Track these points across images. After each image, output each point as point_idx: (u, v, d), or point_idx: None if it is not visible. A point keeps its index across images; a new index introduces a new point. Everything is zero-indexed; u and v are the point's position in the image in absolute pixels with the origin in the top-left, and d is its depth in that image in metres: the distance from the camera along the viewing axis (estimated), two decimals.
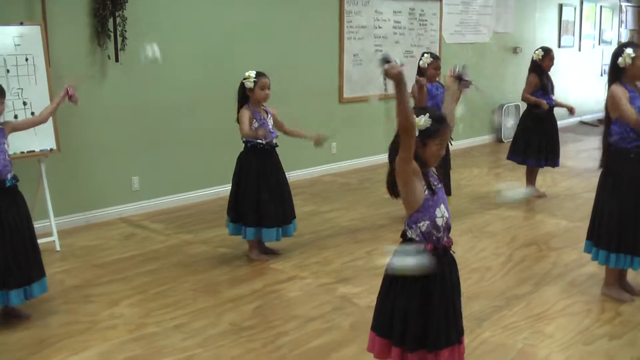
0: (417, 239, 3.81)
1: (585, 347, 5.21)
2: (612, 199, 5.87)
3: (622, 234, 5.85)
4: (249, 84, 6.60)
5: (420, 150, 3.74)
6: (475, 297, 6.04)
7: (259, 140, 6.67)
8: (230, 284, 6.30)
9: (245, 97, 6.66)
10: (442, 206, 3.83)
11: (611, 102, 5.78)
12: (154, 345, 5.11)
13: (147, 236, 7.65)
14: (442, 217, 3.81)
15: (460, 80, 4.24)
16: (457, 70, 4.38)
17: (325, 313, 5.69)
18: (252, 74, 6.63)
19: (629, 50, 5.76)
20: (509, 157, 9.69)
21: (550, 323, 5.63)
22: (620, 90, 5.73)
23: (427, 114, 3.73)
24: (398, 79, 3.50)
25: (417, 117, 3.71)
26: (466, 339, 4.96)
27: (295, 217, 7.02)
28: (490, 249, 7.40)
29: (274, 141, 6.77)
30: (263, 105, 6.72)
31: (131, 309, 5.76)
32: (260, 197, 6.70)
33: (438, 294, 3.83)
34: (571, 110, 9.46)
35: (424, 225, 3.79)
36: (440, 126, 3.77)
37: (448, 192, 7.79)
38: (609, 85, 5.87)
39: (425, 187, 3.75)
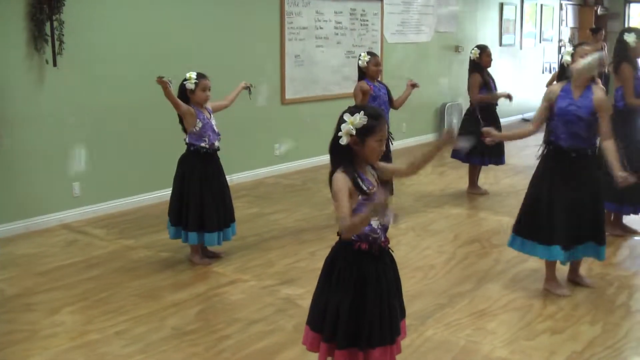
0: (353, 238, 3.81)
1: (528, 342, 5.26)
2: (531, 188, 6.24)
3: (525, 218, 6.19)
4: (190, 86, 6.56)
5: (359, 148, 3.74)
6: (419, 295, 6.06)
7: (202, 144, 6.64)
8: (173, 289, 6.26)
9: (185, 98, 6.63)
10: None
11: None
12: (95, 353, 5.06)
13: (89, 242, 7.57)
14: (378, 220, 3.81)
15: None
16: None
17: (269, 315, 5.68)
18: (193, 75, 6.59)
19: (571, 49, 6.02)
20: (453, 156, 9.74)
21: (493, 319, 5.68)
22: (548, 90, 6.10)
23: (362, 111, 3.73)
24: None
25: (352, 115, 3.71)
26: (409, 337, 5.03)
27: (234, 220, 6.99)
28: (434, 247, 7.44)
29: (217, 144, 6.73)
30: (205, 107, 6.69)
31: (73, 317, 5.70)
32: (204, 201, 6.66)
33: (372, 294, 3.83)
34: (509, 97, 9.56)
35: None
36: (377, 122, 3.76)
37: (390, 192, 7.79)
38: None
39: (359, 195, 3.74)
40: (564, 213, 5.90)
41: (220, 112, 6.93)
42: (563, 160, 5.95)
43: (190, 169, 6.72)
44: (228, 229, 6.88)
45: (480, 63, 9.38)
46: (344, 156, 3.75)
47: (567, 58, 5.96)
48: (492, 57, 9.60)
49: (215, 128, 6.70)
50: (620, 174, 5.70)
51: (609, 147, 5.83)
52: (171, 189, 6.87)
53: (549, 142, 6.06)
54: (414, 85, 8.39)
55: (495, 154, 9.52)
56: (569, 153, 5.91)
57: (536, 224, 6.04)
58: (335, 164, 3.79)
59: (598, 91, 5.89)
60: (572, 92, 5.89)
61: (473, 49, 9.46)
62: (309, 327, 4.04)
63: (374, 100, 7.95)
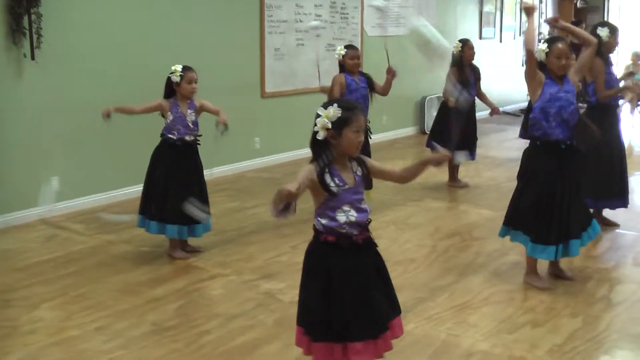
0: (320, 229, 3.86)
1: (509, 336, 5.26)
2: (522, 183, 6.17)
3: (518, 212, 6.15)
4: (176, 78, 6.57)
5: (336, 142, 3.74)
6: (399, 289, 5.97)
7: (171, 136, 6.63)
8: (153, 284, 6.23)
9: (172, 91, 6.63)
10: (347, 206, 3.82)
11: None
12: (75, 349, 5.03)
13: (68, 237, 7.52)
14: (346, 216, 3.81)
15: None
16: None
17: (249, 310, 5.66)
18: (179, 68, 6.59)
19: (544, 46, 5.99)
20: (428, 145, 9.79)
21: (474, 313, 5.68)
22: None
23: (335, 104, 3.74)
24: None
25: (326, 109, 3.71)
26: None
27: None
28: (414, 240, 7.44)
29: (188, 139, 6.69)
30: (190, 100, 6.66)
31: (52, 313, 5.66)
32: (167, 192, 6.63)
33: (340, 285, 3.84)
34: (494, 110, 9.52)
35: (324, 221, 3.84)
36: (352, 113, 3.77)
37: (369, 186, 7.80)
38: None
39: (324, 191, 3.77)
40: (561, 210, 5.91)
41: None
42: (556, 154, 5.94)
43: (159, 158, 6.74)
44: (198, 224, 6.82)
45: (461, 57, 9.38)
46: (323, 151, 3.74)
47: (542, 55, 5.95)
48: (475, 50, 9.59)
49: (189, 123, 6.65)
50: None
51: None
52: None
53: (537, 138, 6.01)
54: (392, 75, 8.33)
55: (467, 148, 9.53)
56: (559, 145, 5.92)
57: (536, 223, 6.01)
58: (314, 158, 3.80)
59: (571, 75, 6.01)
60: (555, 81, 5.92)
61: (455, 43, 9.45)
62: (298, 327, 4.08)
63: (350, 94, 7.89)
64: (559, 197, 5.90)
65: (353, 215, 3.82)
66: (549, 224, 5.91)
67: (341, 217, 3.79)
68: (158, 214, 6.67)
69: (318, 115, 3.74)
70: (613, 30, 7.52)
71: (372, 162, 3.98)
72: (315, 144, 3.80)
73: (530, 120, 6.04)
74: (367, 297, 3.91)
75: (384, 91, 8.29)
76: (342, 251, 3.85)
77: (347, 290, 3.84)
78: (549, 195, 5.91)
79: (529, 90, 6.14)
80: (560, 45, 5.92)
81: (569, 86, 5.92)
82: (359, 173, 3.90)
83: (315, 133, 3.76)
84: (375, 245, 4.05)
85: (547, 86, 5.90)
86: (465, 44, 9.42)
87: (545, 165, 5.93)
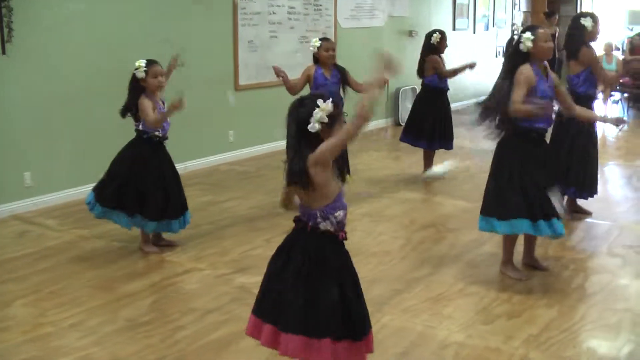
0: (331, 229, 3.80)
1: (485, 327, 5.29)
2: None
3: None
4: (140, 74, 6.46)
5: (327, 135, 3.73)
6: (375, 281, 6.05)
7: (156, 133, 6.58)
8: (127, 279, 6.19)
9: (138, 88, 6.52)
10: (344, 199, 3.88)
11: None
12: (49, 346, 5.00)
13: (41, 233, 7.46)
14: (343, 211, 3.85)
15: None
16: None
17: (224, 304, 5.64)
18: (142, 63, 6.49)
19: (528, 34, 5.93)
20: (402, 139, 9.81)
21: (449, 304, 5.69)
22: (523, 77, 5.89)
23: (330, 98, 3.74)
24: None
25: (324, 102, 3.70)
26: None
27: (181, 214, 6.87)
28: (389, 232, 7.44)
29: (159, 132, 6.65)
30: (159, 95, 6.61)
31: (25, 309, 5.61)
32: (147, 189, 6.59)
33: (353, 282, 3.89)
34: (471, 66, 9.55)
35: (340, 214, 3.81)
36: (340, 110, 3.82)
37: (344, 175, 7.76)
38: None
39: (337, 176, 3.79)
40: (536, 190, 5.91)
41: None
42: (537, 143, 6.00)
43: (142, 156, 6.65)
44: (173, 220, 6.77)
45: (439, 47, 9.40)
46: (314, 143, 3.71)
47: (529, 44, 5.91)
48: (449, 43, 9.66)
49: (169, 119, 6.63)
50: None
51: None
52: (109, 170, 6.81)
53: (524, 129, 5.96)
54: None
55: (443, 138, 9.56)
56: (542, 135, 5.99)
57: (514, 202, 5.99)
58: (305, 151, 3.73)
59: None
60: (541, 73, 5.95)
61: (435, 33, 9.44)
62: (260, 320, 4.03)
63: (316, 89, 7.85)
64: (533, 180, 5.92)
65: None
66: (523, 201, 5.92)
67: (340, 213, 3.81)
68: (139, 209, 6.62)
69: (316, 106, 3.69)
70: (595, 19, 7.56)
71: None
72: (300, 135, 3.74)
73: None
74: (362, 295, 3.98)
75: (358, 90, 8.23)
76: (343, 248, 3.90)
77: (358, 288, 3.92)
78: (528, 180, 5.93)
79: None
80: (541, 30, 5.99)
81: (551, 78, 6.00)
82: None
83: (303, 126, 3.72)
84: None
85: (540, 82, 5.92)
86: (444, 35, 9.44)
87: (527, 154, 5.97)
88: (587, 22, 7.48)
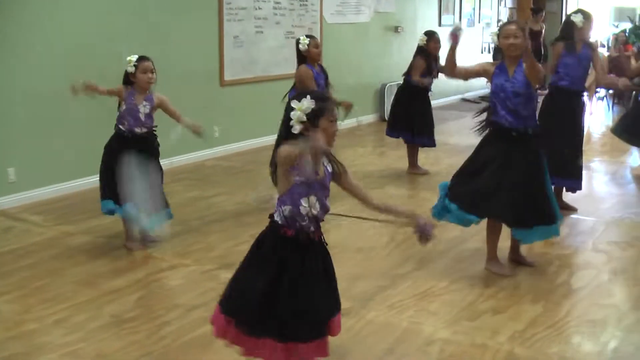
0: (280, 222, 3.80)
1: (470, 323, 5.28)
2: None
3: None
4: (130, 69, 6.49)
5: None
6: (360, 277, 6.04)
7: (120, 126, 6.60)
8: (112, 275, 6.16)
9: (129, 82, 6.56)
10: (313, 198, 3.78)
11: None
12: (33, 343, 4.97)
13: (26, 229, 7.42)
14: (310, 208, 3.78)
15: None
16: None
17: (209, 300, 5.58)
18: (133, 58, 6.51)
19: (495, 30, 6.14)
20: (387, 133, 9.86)
21: (435, 300, 5.69)
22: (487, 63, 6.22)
23: (308, 95, 3.70)
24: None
25: (299, 102, 3.66)
26: (351, 320, 5.04)
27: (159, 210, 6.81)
28: (374, 228, 7.41)
29: (138, 131, 6.59)
30: (149, 92, 6.58)
31: (9, 306, 5.58)
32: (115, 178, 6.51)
33: (290, 281, 3.80)
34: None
35: (286, 209, 3.77)
36: (325, 103, 3.75)
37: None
38: None
39: (295, 174, 3.72)
40: (507, 192, 5.91)
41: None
42: (505, 140, 5.97)
43: (109, 146, 6.69)
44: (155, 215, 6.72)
45: (427, 49, 9.38)
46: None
47: (495, 39, 6.03)
48: (441, 44, 9.52)
49: (140, 115, 6.56)
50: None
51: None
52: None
53: (490, 122, 6.07)
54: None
55: (424, 135, 9.57)
56: (509, 132, 5.95)
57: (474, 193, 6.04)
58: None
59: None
60: (507, 70, 5.98)
61: (421, 35, 9.45)
62: (220, 309, 4.02)
63: (317, 86, 7.86)
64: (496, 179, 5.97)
65: (316, 209, 3.79)
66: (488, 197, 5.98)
67: (304, 208, 3.75)
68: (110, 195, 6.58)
69: (291, 109, 3.69)
70: (587, 16, 7.57)
71: (348, 177, 3.93)
72: (290, 138, 3.72)
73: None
74: (311, 298, 3.85)
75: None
76: (298, 247, 3.82)
77: (295, 288, 3.80)
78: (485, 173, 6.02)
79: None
80: (507, 26, 6.05)
81: (519, 76, 5.96)
82: (329, 168, 3.87)
83: (288, 128, 3.71)
84: (326, 244, 4.01)
85: (496, 76, 6.02)
86: (431, 37, 9.41)
87: (494, 151, 6.00)
88: (576, 19, 7.50)
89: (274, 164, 3.78)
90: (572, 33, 7.52)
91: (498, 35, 6.01)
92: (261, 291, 3.79)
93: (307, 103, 3.67)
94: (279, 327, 3.78)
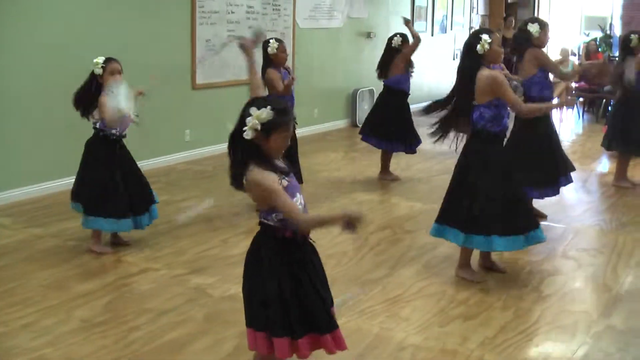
0: (276, 225, 3.78)
1: (441, 329, 5.29)
2: (483, 180, 5.99)
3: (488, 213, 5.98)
4: (98, 71, 6.46)
5: (264, 143, 3.69)
6: (332, 283, 5.94)
7: (113, 131, 6.53)
8: (81, 279, 6.12)
9: (97, 84, 6.50)
10: (298, 195, 3.81)
11: (495, 87, 5.87)
12: (1, 347, 4.92)
13: None
14: (299, 205, 3.79)
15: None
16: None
17: (179, 305, 5.59)
18: (101, 60, 6.48)
19: (486, 37, 5.93)
20: (364, 139, 9.87)
21: (406, 306, 5.69)
22: (502, 76, 5.95)
23: (269, 106, 3.67)
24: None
25: (259, 109, 3.64)
26: None
27: (146, 210, 6.85)
28: (346, 233, 7.40)
29: (116, 131, 6.60)
30: None
31: None
32: (108, 186, 6.55)
33: (309, 279, 3.86)
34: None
35: (278, 214, 3.75)
36: (284, 119, 3.72)
37: (300, 180, 7.78)
38: (471, 70, 5.98)
39: (280, 178, 3.70)
40: (500, 202, 5.94)
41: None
42: (501, 144, 6.07)
43: (99, 154, 6.63)
44: (142, 215, 6.77)
45: (401, 50, 9.40)
46: (249, 150, 3.69)
47: (487, 46, 5.93)
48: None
49: (127, 117, 6.57)
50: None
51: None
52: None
53: (492, 133, 5.97)
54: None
55: (404, 142, 9.56)
56: (502, 138, 6.06)
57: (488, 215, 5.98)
58: (240, 156, 3.73)
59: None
60: None
61: (395, 37, 9.46)
62: (253, 329, 3.94)
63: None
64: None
65: (302, 204, 3.83)
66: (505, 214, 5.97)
67: (276, 214, 3.75)
68: (103, 210, 6.58)
69: (249, 114, 3.67)
70: (543, 25, 7.57)
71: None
72: (239, 142, 3.72)
73: (487, 118, 5.93)
74: (324, 292, 3.96)
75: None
76: (299, 246, 3.84)
77: (316, 283, 3.88)
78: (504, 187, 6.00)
79: (478, 95, 5.96)
80: (495, 35, 6.02)
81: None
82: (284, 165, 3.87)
83: (240, 129, 3.70)
84: (314, 242, 4.03)
85: None
86: (405, 39, 9.44)
87: (501, 156, 6.04)
88: (532, 28, 7.50)
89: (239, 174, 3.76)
90: (528, 41, 7.51)
91: (490, 43, 5.92)
92: (286, 297, 3.80)
93: (266, 114, 3.64)
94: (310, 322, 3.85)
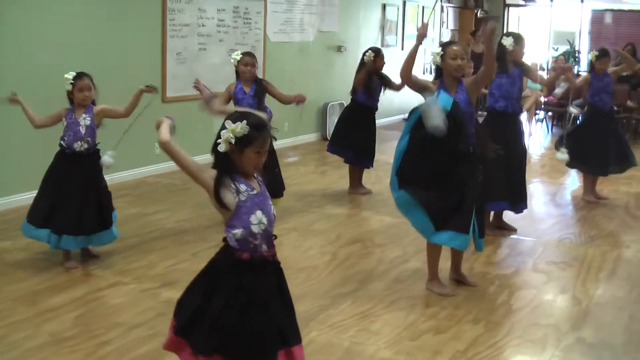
0: (234, 245, 3.74)
1: (412, 343, 5.30)
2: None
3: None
4: (68, 87, 6.47)
5: (237, 157, 3.69)
6: (302, 297, 6.02)
7: (62, 142, 6.57)
8: (50, 293, 6.07)
9: (70, 100, 6.57)
10: (259, 212, 3.74)
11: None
12: None
13: None
14: (259, 224, 3.74)
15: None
16: None
17: (150, 319, 5.56)
18: (70, 76, 6.47)
19: (437, 50, 6.14)
20: (329, 149, 10.03)
21: (376, 320, 5.69)
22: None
23: (245, 120, 3.65)
24: None
25: (234, 122, 3.63)
26: None
27: (105, 228, 6.76)
28: (316, 247, 7.42)
29: (77, 147, 6.56)
30: (88, 107, 6.57)
31: None
32: (58, 202, 6.52)
33: (247, 305, 3.77)
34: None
35: (238, 232, 3.71)
36: (259, 134, 3.69)
37: (279, 194, 7.78)
38: None
39: (235, 193, 3.69)
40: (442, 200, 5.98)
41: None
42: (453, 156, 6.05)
43: (53, 167, 6.67)
44: (101, 232, 6.71)
45: (373, 65, 9.44)
46: (222, 161, 3.71)
47: (438, 59, 6.04)
48: (385, 61, 9.66)
49: (80, 128, 6.54)
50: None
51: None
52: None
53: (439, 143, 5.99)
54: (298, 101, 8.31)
55: (365, 156, 9.61)
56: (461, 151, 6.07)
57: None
58: (215, 166, 3.75)
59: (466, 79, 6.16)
60: (448, 90, 6.05)
61: (367, 52, 9.51)
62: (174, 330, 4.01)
63: (236, 103, 7.86)
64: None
65: (264, 223, 3.75)
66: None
67: (255, 227, 3.72)
68: (51, 224, 6.52)
69: (224, 127, 3.66)
70: (517, 39, 7.62)
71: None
72: (215, 152, 3.74)
73: None
74: (275, 317, 3.85)
75: (282, 101, 8.23)
76: (253, 269, 3.77)
77: (247, 311, 3.77)
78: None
79: None
80: (454, 47, 6.08)
81: (462, 95, 6.02)
82: (260, 178, 3.85)
83: (217, 142, 3.70)
84: (279, 263, 3.98)
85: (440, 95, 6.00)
86: (378, 54, 9.48)
87: (444, 166, 6.03)
88: (506, 42, 7.56)
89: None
90: (502, 55, 7.56)
91: (442, 56, 6.03)
92: (215, 311, 3.77)
93: (241, 128, 3.63)
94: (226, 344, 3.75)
